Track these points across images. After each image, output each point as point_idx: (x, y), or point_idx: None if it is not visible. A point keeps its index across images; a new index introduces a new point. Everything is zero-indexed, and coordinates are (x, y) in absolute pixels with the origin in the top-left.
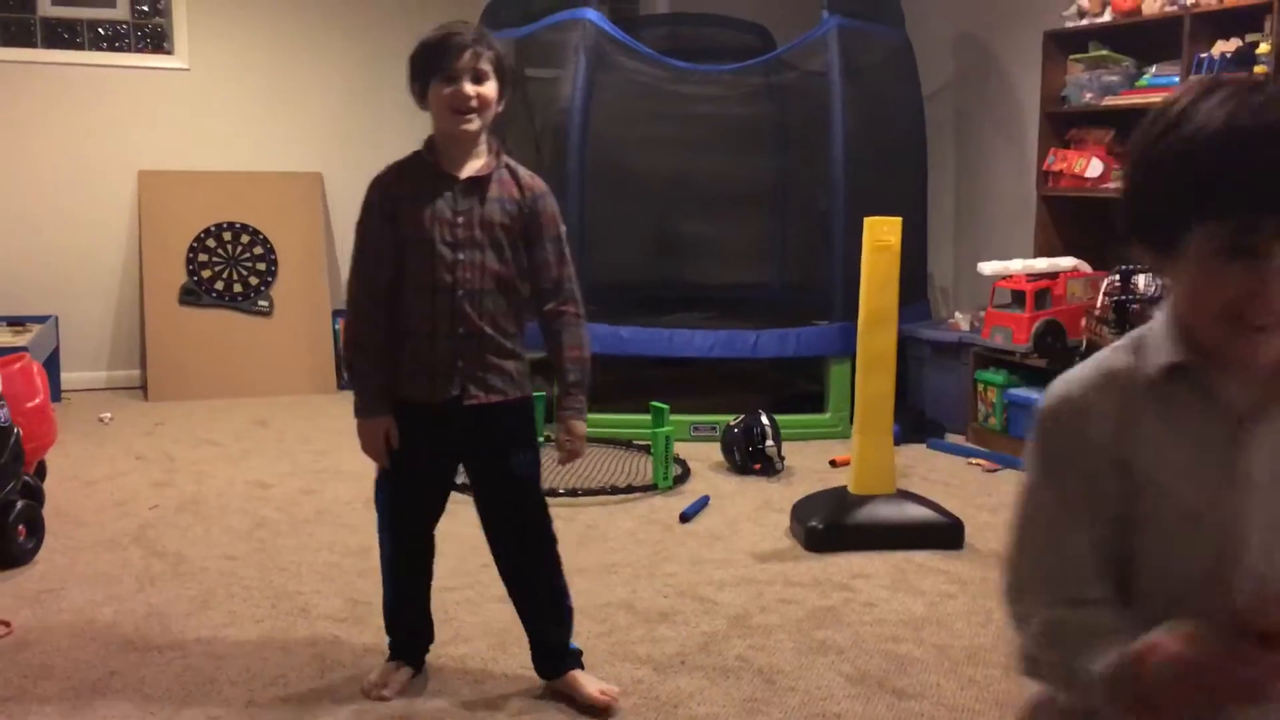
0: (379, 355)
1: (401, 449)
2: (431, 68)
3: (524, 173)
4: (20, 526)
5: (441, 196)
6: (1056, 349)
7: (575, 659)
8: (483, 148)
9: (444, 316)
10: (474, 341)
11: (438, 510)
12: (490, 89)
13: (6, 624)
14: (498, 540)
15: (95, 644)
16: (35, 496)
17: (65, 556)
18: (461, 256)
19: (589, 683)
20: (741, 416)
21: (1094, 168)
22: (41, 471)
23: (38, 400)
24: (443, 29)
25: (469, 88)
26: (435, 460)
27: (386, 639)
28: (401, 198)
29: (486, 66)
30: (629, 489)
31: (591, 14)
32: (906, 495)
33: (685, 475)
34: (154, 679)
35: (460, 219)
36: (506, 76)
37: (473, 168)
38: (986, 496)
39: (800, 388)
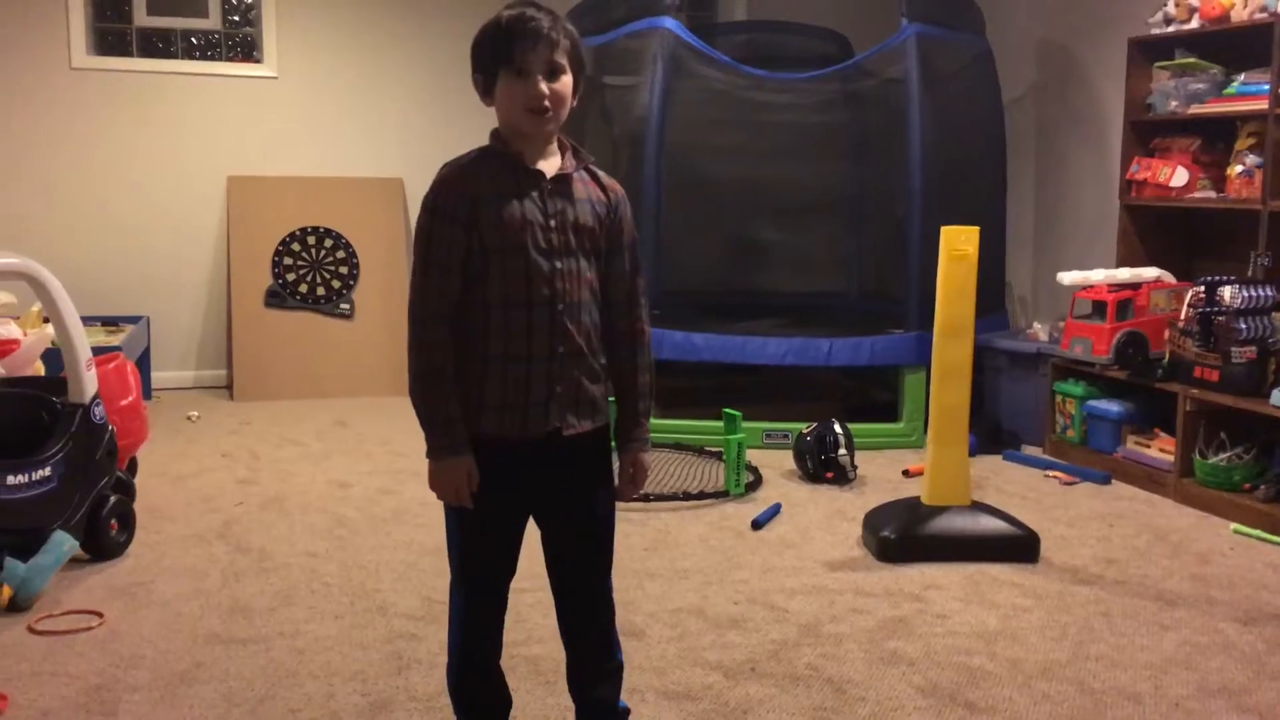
0: (452, 383)
1: (485, 496)
2: (501, 59)
3: (601, 174)
4: (113, 521)
5: (529, 196)
6: (1138, 361)
7: (623, 719)
8: (555, 145)
9: (542, 335)
10: (572, 363)
11: (516, 559)
12: (566, 84)
13: (99, 615)
14: (565, 588)
15: (182, 635)
16: (127, 492)
17: (154, 550)
18: (559, 265)
19: None
20: (814, 424)
21: (1179, 177)
22: (133, 468)
23: (130, 399)
24: (514, 11)
25: (544, 86)
26: (518, 504)
27: None
28: (481, 199)
29: (563, 59)
30: (701, 495)
31: (670, 22)
32: (981, 507)
33: (757, 482)
34: (238, 671)
35: (553, 222)
36: (582, 66)
37: (554, 165)
38: (1063, 510)
39: (874, 397)
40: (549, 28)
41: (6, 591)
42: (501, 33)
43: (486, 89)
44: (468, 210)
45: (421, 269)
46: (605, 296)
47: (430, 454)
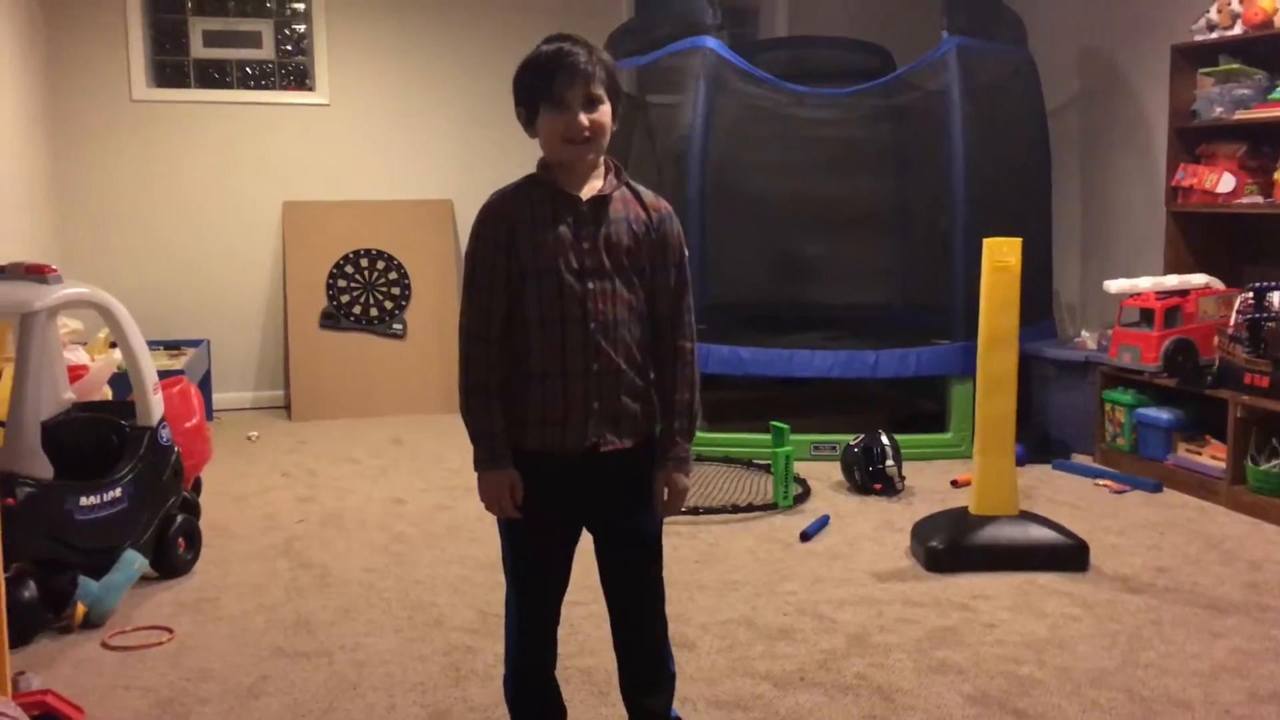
0: (498, 399)
1: (531, 508)
2: (541, 93)
3: (647, 192)
4: (180, 539)
5: (563, 221)
6: (1187, 368)
7: None
8: (600, 169)
9: (576, 353)
10: (609, 379)
11: (568, 572)
12: (605, 113)
13: (169, 630)
14: (616, 599)
15: (248, 649)
16: (193, 511)
17: (220, 567)
18: (591, 286)
19: None
20: (862, 436)
21: (1225, 183)
22: (198, 487)
23: (195, 420)
24: (552, 46)
25: (584, 118)
26: (565, 517)
27: None
28: (518, 224)
29: (600, 90)
30: (750, 508)
31: (711, 41)
32: (1029, 516)
33: (805, 494)
34: (302, 683)
35: (586, 244)
36: (619, 92)
37: (593, 188)
38: (1113, 518)
39: (921, 407)
40: (585, 61)
41: (81, 609)
42: (540, 68)
43: (529, 121)
44: (507, 235)
45: (467, 291)
46: (651, 312)
47: (476, 466)
